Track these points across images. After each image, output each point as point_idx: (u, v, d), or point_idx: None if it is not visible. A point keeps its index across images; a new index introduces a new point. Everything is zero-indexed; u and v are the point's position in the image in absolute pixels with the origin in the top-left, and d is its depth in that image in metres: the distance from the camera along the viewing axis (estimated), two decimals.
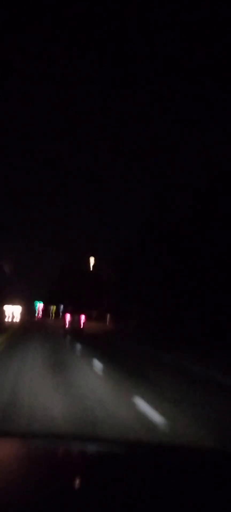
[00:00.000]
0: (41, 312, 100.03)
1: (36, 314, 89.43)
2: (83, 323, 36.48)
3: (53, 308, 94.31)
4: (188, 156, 66.40)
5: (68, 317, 37.21)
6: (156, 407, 6.73)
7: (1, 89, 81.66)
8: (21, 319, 55.59)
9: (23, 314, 67.16)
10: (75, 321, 36.48)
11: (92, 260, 54.57)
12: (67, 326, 36.08)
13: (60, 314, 67.04)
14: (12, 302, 68.31)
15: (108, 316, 52.42)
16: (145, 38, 63.45)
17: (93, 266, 56.84)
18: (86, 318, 39.12)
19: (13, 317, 58.04)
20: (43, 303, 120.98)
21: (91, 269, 59.71)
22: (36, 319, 69.48)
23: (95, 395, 7.64)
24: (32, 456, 2.03)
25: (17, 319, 56.75)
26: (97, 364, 12.00)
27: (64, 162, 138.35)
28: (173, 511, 1.43)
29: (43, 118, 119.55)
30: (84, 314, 38.56)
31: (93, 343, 21.42)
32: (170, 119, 71.44)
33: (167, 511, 1.42)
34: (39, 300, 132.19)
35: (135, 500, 1.49)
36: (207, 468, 1.95)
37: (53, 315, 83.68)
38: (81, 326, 35.82)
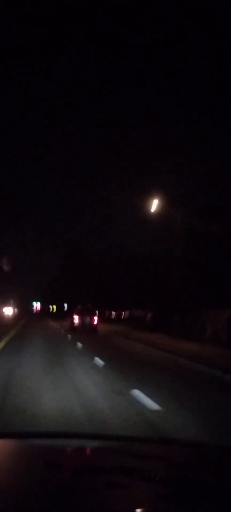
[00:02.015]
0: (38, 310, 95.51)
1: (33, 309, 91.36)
2: (94, 328, 28.44)
3: (53, 308, 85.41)
4: (188, 156, 63.04)
5: (76, 318, 29.32)
6: None
7: (1, 89, 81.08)
8: (15, 320, 47.75)
9: (17, 315, 61.67)
10: (86, 324, 28.57)
11: (155, 203, 25.28)
12: (75, 327, 28.41)
13: (65, 314, 59.22)
14: (5, 302, 62.91)
15: None
16: (145, 38, 64.09)
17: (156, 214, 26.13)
18: (99, 320, 30.97)
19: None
20: (41, 303, 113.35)
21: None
22: (34, 311, 69.59)
23: None
24: (31, 455, 2.04)
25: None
26: None
27: (63, 161, 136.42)
28: (172, 505, 1.44)
29: (43, 118, 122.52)
30: (98, 316, 30.47)
31: None
32: (170, 119, 70.47)
33: (167, 506, 1.43)
34: (36, 300, 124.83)
35: (135, 496, 1.49)
36: (206, 463, 1.99)
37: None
38: (94, 331, 28.02)
